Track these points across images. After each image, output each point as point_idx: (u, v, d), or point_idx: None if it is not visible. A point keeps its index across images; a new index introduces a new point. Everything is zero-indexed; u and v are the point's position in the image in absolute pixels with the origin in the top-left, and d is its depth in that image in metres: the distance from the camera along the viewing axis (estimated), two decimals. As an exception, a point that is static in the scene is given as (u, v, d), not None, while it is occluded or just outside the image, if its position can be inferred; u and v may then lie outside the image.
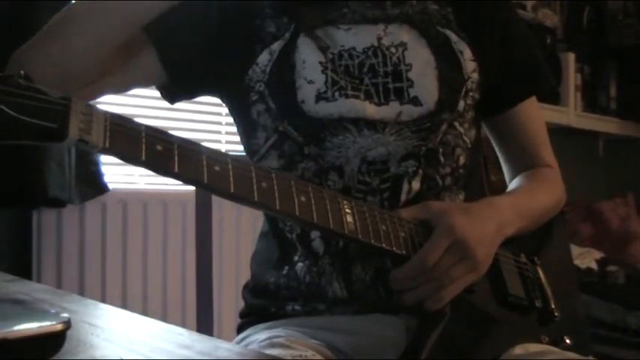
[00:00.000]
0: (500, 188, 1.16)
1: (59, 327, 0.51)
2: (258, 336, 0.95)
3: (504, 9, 1.10)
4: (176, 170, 0.67)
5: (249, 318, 1.05)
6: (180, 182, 0.71)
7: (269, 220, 1.04)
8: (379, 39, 0.99)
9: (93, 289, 1.90)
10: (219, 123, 2.33)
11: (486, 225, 0.88)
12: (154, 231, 2.04)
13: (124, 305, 1.93)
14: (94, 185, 1.84)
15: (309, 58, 0.97)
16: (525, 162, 1.12)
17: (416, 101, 0.96)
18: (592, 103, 3.39)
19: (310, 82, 0.96)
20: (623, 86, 3.48)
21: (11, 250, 1.82)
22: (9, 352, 0.47)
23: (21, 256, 1.81)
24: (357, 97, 0.95)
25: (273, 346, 0.89)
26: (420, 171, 0.95)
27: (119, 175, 2.07)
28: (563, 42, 3.29)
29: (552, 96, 2.90)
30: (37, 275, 1.81)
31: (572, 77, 3.20)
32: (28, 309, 0.67)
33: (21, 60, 0.91)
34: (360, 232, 0.80)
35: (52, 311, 0.55)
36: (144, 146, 0.66)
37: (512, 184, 1.11)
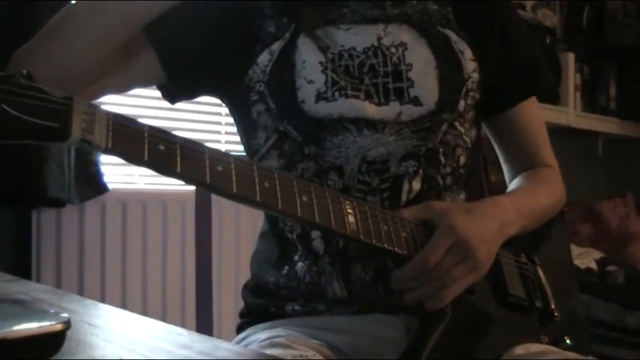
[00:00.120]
0: (500, 188, 1.16)
1: (59, 327, 0.51)
2: (258, 336, 0.95)
3: (504, 9, 1.10)
4: (179, 170, 0.67)
5: (249, 318, 1.05)
6: (183, 182, 0.71)
7: (269, 220, 1.04)
8: (379, 39, 0.99)
9: (92, 289, 1.90)
10: (219, 123, 2.33)
11: (488, 225, 0.88)
12: (154, 231, 2.04)
13: (123, 305, 1.93)
14: (94, 185, 1.84)
15: (309, 58, 0.97)
16: (525, 162, 1.12)
17: (416, 101, 0.96)
18: (591, 103, 3.39)
19: (310, 82, 0.96)
20: (623, 86, 3.48)
21: (11, 250, 1.82)
22: (9, 352, 0.47)
23: (20, 256, 1.81)
24: (357, 97, 0.95)
25: (273, 345, 0.89)
26: (421, 171, 0.95)
27: (119, 175, 2.07)
28: (562, 42, 3.29)
29: (552, 96, 2.91)
30: (36, 275, 1.81)
31: (571, 77, 3.20)
32: (27, 309, 0.67)
33: (22, 60, 0.91)
34: (362, 232, 0.80)
35: (52, 311, 0.55)
36: (146, 146, 0.66)
37: (513, 184, 1.11)
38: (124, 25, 0.92)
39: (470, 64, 1.01)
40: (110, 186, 1.89)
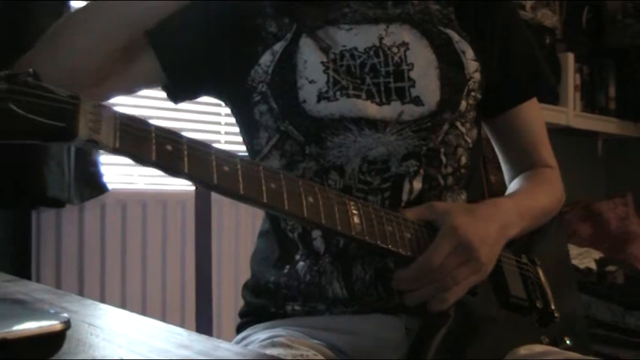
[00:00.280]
0: (499, 188, 1.16)
1: (59, 327, 0.51)
2: (259, 335, 0.95)
3: (506, 9, 1.10)
4: (186, 170, 0.67)
5: (249, 318, 1.05)
6: (189, 183, 0.71)
7: (270, 219, 1.04)
8: (380, 39, 0.99)
9: (92, 289, 1.90)
10: (219, 123, 2.33)
11: (490, 226, 0.88)
12: (154, 231, 2.04)
13: (123, 305, 1.93)
14: (94, 185, 1.84)
15: (310, 59, 0.97)
16: (525, 162, 1.12)
17: (417, 101, 0.96)
18: (591, 103, 3.39)
19: (312, 82, 0.96)
20: (622, 86, 3.48)
21: (10, 250, 1.82)
22: (8, 352, 0.47)
23: (20, 256, 1.81)
24: (358, 96, 0.96)
25: (274, 345, 0.89)
26: (421, 171, 0.95)
27: (118, 175, 2.07)
28: (562, 42, 3.29)
29: (551, 96, 2.90)
30: (36, 275, 1.81)
31: (571, 77, 3.20)
32: (27, 309, 0.67)
33: (26, 65, 0.91)
34: (367, 233, 0.79)
35: (52, 311, 0.55)
36: (154, 146, 0.65)
37: (513, 185, 1.11)
38: (127, 26, 0.92)
39: (472, 64, 1.01)
40: (110, 186, 1.89)
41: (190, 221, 1.99)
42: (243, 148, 1.07)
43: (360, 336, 0.94)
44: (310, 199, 0.75)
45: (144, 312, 1.96)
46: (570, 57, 3.20)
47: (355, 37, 0.99)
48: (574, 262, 2.68)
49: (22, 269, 1.78)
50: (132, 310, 0.72)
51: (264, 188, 0.71)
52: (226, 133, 2.33)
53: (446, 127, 0.98)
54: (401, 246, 0.82)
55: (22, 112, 0.57)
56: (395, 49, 0.98)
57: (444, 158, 0.97)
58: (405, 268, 0.83)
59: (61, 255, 1.85)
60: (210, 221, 1.26)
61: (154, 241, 2.04)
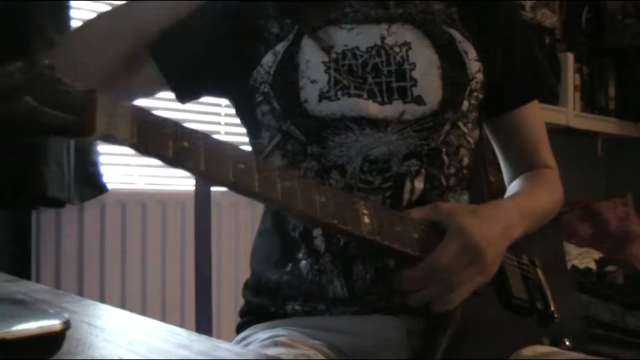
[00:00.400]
0: (499, 189, 1.16)
1: (58, 327, 0.51)
2: (260, 335, 0.95)
3: (509, 9, 1.10)
4: (202, 168, 0.66)
5: (249, 317, 1.05)
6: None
7: (273, 218, 1.04)
8: (382, 38, 0.99)
9: (92, 289, 1.90)
10: (219, 123, 2.33)
11: (495, 227, 0.88)
12: (153, 231, 2.04)
13: (123, 305, 1.93)
14: (93, 185, 1.85)
15: (312, 58, 0.97)
16: (526, 163, 1.12)
17: (419, 100, 0.96)
18: (591, 104, 3.39)
19: (313, 81, 0.96)
20: (622, 86, 3.48)
21: (10, 250, 1.82)
22: (8, 352, 0.47)
23: (20, 256, 1.81)
24: (360, 96, 0.96)
25: (276, 344, 0.89)
26: (423, 170, 0.95)
27: (118, 175, 2.07)
28: (562, 42, 3.29)
29: (551, 96, 2.90)
30: (36, 275, 1.81)
31: (571, 77, 3.20)
32: (27, 309, 0.67)
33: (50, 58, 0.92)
34: (378, 233, 0.79)
35: (52, 311, 0.55)
36: (171, 142, 0.64)
37: (513, 185, 1.11)
38: (131, 37, 0.94)
39: (474, 65, 1.01)
40: (110, 186, 1.89)
41: (190, 221, 1.99)
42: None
43: (361, 336, 0.94)
44: (323, 199, 0.74)
45: (144, 312, 1.96)
46: (570, 57, 3.20)
47: (357, 37, 0.99)
48: (574, 262, 2.68)
49: (22, 269, 1.78)
50: (131, 310, 0.72)
51: (279, 187, 0.71)
52: (226, 133, 2.33)
53: (448, 126, 0.98)
54: (409, 246, 0.82)
55: (38, 105, 0.55)
56: (397, 49, 0.98)
57: (445, 158, 0.97)
58: (411, 268, 0.83)
59: (60, 255, 1.85)
60: (209, 221, 1.25)
61: (154, 241, 2.04)
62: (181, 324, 1.97)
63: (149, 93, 1.08)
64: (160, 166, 2.19)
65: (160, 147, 0.64)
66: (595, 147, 3.64)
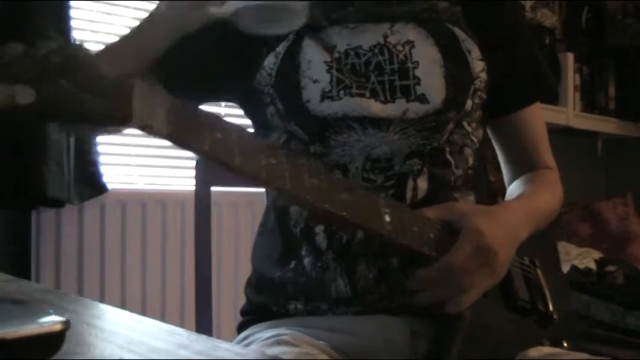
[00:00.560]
0: (499, 189, 1.16)
1: (58, 327, 0.51)
2: (262, 334, 0.95)
3: (513, 10, 1.10)
4: (237, 163, 0.64)
5: (251, 316, 1.05)
6: (236, 174, 0.67)
7: (275, 215, 1.04)
8: (385, 37, 0.99)
9: (92, 289, 1.90)
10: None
11: (506, 230, 0.88)
12: (153, 231, 2.04)
13: (122, 305, 1.93)
14: (93, 185, 1.85)
15: (314, 58, 0.97)
16: (527, 163, 1.12)
17: (423, 99, 0.96)
18: (591, 104, 3.39)
19: (315, 81, 0.96)
20: (622, 86, 3.48)
21: (10, 250, 1.82)
22: (8, 352, 0.47)
23: (20, 256, 1.82)
24: (362, 95, 0.96)
25: (279, 343, 0.88)
26: (425, 169, 0.95)
27: (118, 175, 2.07)
28: (562, 42, 3.29)
29: (551, 96, 2.90)
30: (35, 275, 1.81)
31: (571, 77, 3.20)
32: (27, 309, 0.67)
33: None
34: (399, 232, 0.79)
35: (51, 311, 0.54)
36: (207, 133, 0.61)
37: (515, 186, 1.10)
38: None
39: (478, 64, 1.01)
40: (109, 186, 1.89)
41: (190, 221, 1.99)
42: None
43: (364, 337, 0.94)
44: (347, 196, 0.74)
45: (143, 312, 1.96)
46: (570, 57, 3.20)
47: (360, 36, 0.99)
48: (574, 262, 2.68)
49: (22, 269, 1.78)
50: (131, 310, 0.72)
51: (306, 184, 0.70)
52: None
53: (451, 126, 0.98)
54: (426, 246, 0.82)
55: (75, 90, 0.52)
56: (400, 47, 0.98)
57: (450, 158, 0.97)
58: (426, 268, 0.83)
59: (60, 255, 1.85)
60: (209, 221, 1.25)
61: (154, 241, 2.04)
62: (181, 324, 1.97)
63: None
64: (160, 166, 2.19)
65: (195, 139, 0.61)
66: (595, 147, 3.64)
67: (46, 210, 1.83)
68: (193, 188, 1.25)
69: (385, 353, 0.93)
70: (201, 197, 1.26)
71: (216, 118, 0.64)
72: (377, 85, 0.96)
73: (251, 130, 0.93)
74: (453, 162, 0.98)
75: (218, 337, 0.65)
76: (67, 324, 0.51)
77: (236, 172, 0.65)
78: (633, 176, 3.49)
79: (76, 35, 1.86)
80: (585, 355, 0.96)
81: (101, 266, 1.93)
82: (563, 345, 1.02)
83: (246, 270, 1.11)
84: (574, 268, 2.64)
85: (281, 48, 0.99)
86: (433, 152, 0.96)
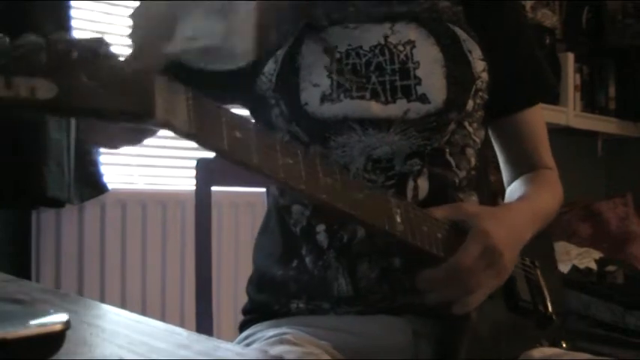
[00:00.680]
0: (498, 189, 1.16)
1: (58, 327, 0.51)
2: (264, 333, 0.95)
3: (514, 10, 1.10)
4: (255, 162, 0.63)
5: (252, 315, 1.05)
6: (255, 173, 0.66)
7: (277, 214, 1.04)
8: (386, 37, 0.99)
9: (92, 289, 1.90)
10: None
11: (512, 231, 0.88)
12: (153, 231, 2.04)
13: (123, 305, 1.93)
14: (93, 185, 1.85)
15: (314, 63, 0.97)
16: (527, 164, 1.12)
17: (424, 99, 0.96)
18: (591, 103, 3.39)
19: (315, 85, 0.97)
20: (622, 86, 3.48)
21: (10, 250, 1.82)
22: (8, 352, 0.47)
23: (20, 256, 1.82)
24: (362, 97, 0.96)
25: (281, 342, 0.88)
26: (425, 170, 0.95)
27: (118, 175, 2.07)
28: (562, 42, 3.29)
29: (551, 96, 2.90)
30: (36, 275, 1.81)
31: (571, 77, 3.20)
32: (27, 309, 0.67)
33: None
34: (409, 233, 0.79)
35: (52, 311, 0.54)
36: (225, 133, 0.60)
37: (516, 187, 1.10)
38: None
39: (479, 64, 1.00)
40: (110, 186, 1.89)
41: (190, 221, 1.99)
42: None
43: (366, 337, 0.94)
44: (360, 196, 0.74)
45: (144, 312, 1.96)
46: (570, 57, 3.20)
47: (360, 36, 0.99)
48: (574, 262, 2.68)
49: (22, 269, 1.78)
50: (132, 310, 0.72)
51: (322, 184, 0.70)
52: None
53: (453, 126, 0.98)
54: (434, 246, 0.83)
55: (95, 85, 0.50)
56: (401, 47, 0.98)
57: (450, 158, 0.97)
58: (434, 269, 0.83)
59: (60, 255, 1.85)
60: (210, 221, 1.25)
61: (154, 241, 2.04)
62: (181, 324, 1.97)
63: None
64: (161, 166, 2.19)
65: (215, 139, 0.60)
66: (595, 147, 3.64)
67: (46, 210, 1.83)
68: (194, 188, 1.25)
69: (387, 353, 0.93)
70: (202, 197, 1.26)
71: (234, 117, 0.64)
72: (378, 86, 0.96)
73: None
74: (453, 163, 0.97)
75: (218, 337, 0.65)
76: (67, 324, 0.51)
77: (253, 172, 0.65)
78: (633, 176, 3.49)
79: (76, 35, 1.86)
80: (587, 356, 0.96)
81: (101, 266, 1.93)
82: (561, 345, 1.02)
83: (246, 270, 1.11)
84: (574, 268, 2.64)
85: (280, 52, 0.99)
86: (433, 153, 0.96)
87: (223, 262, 2.12)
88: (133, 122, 0.54)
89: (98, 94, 0.50)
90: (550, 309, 1.00)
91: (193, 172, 1.25)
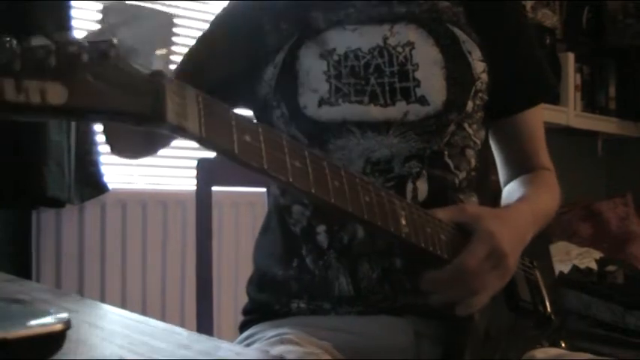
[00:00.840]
0: (499, 188, 1.15)
1: (59, 327, 0.51)
2: (265, 334, 0.95)
3: (515, 11, 1.10)
4: (265, 166, 0.63)
5: (253, 315, 1.05)
6: (263, 176, 0.66)
7: (277, 214, 1.04)
8: (385, 39, 0.99)
9: (92, 289, 1.90)
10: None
11: (514, 232, 0.88)
12: (154, 231, 2.04)
13: (123, 305, 1.93)
14: (94, 185, 1.85)
15: (312, 68, 0.98)
16: (525, 164, 1.11)
17: (423, 100, 0.96)
18: (591, 103, 3.39)
19: (314, 90, 0.97)
20: (623, 86, 3.48)
21: (11, 249, 1.82)
22: (9, 352, 0.47)
23: (20, 256, 1.82)
24: (360, 101, 0.96)
25: (282, 342, 0.88)
26: (424, 172, 0.95)
27: (119, 175, 2.07)
28: (562, 42, 3.29)
29: (552, 96, 2.90)
30: (36, 275, 1.81)
31: (571, 77, 3.20)
32: (27, 309, 0.67)
33: None
34: (413, 234, 0.79)
35: (52, 311, 0.55)
36: (235, 136, 0.60)
37: (515, 187, 1.10)
38: None
39: (479, 65, 1.00)
40: (110, 186, 1.89)
41: (191, 221, 1.99)
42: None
43: (367, 337, 0.94)
44: (367, 199, 0.74)
45: (144, 312, 1.96)
46: (571, 57, 3.20)
47: (359, 38, 0.99)
48: (574, 262, 2.68)
49: (22, 269, 1.78)
50: (132, 310, 0.72)
51: (330, 187, 0.70)
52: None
53: (452, 128, 0.97)
54: (438, 248, 0.82)
55: (105, 88, 0.49)
56: (400, 49, 0.98)
57: (449, 160, 0.97)
58: (439, 270, 0.82)
59: (61, 255, 1.85)
60: (210, 221, 1.25)
61: (154, 241, 2.04)
62: (182, 324, 1.97)
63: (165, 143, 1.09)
64: (161, 166, 2.19)
65: (226, 143, 0.59)
66: (595, 147, 3.64)
67: (46, 210, 1.83)
68: (194, 188, 1.25)
69: (388, 354, 0.93)
70: (202, 197, 1.26)
71: (244, 120, 0.64)
72: (377, 88, 0.96)
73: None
74: (452, 164, 0.97)
75: (219, 337, 0.65)
76: (67, 324, 0.51)
77: (262, 175, 0.65)
78: (633, 176, 3.49)
79: (77, 35, 1.86)
80: (589, 356, 0.96)
81: (102, 266, 1.93)
82: (561, 345, 1.02)
83: (247, 270, 1.11)
84: (575, 267, 2.64)
85: (278, 58, 1.00)
86: (432, 155, 0.96)
87: (224, 262, 2.11)
88: (144, 126, 0.54)
89: (109, 97, 0.50)
90: (549, 309, 1.00)
91: (194, 172, 1.25)
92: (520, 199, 1.02)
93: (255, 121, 1.09)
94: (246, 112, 1.07)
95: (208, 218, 1.25)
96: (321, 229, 0.97)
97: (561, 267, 2.50)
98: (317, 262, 0.97)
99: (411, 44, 0.98)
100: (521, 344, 0.96)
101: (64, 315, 0.52)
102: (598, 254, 2.81)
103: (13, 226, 1.83)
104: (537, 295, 0.99)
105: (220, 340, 0.60)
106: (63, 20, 1.73)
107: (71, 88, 0.48)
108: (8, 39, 0.47)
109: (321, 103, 0.96)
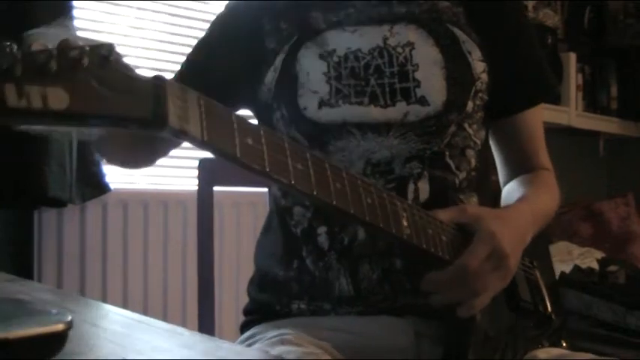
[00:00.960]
0: (499, 189, 1.15)
1: (61, 327, 0.51)
2: (266, 334, 0.95)
3: (515, 11, 1.10)
4: (267, 169, 0.63)
5: (254, 316, 1.05)
6: (265, 179, 0.66)
7: (278, 215, 1.04)
8: (385, 39, 0.99)
9: (94, 289, 1.90)
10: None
11: (515, 232, 0.88)
12: (155, 231, 2.04)
13: (124, 305, 1.93)
14: (95, 185, 1.85)
15: (312, 70, 0.98)
16: (525, 164, 1.11)
17: (423, 101, 0.96)
18: (593, 103, 3.39)
19: (314, 92, 0.97)
20: (624, 86, 3.48)
21: (12, 249, 1.82)
22: (10, 352, 0.47)
23: (22, 256, 1.82)
24: (360, 103, 0.96)
25: (282, 343, 0.89)
26: (425, 172, 0.95)
27: (120, 175, 2.07)
28: (564, 42, 3.29)
29: (553, 96, 2.90)
30: (37, 275, 1.82)
31: (572, 77, 3.20)
32: (29, 309, 0.67)
33: None
34: (415, 236, 0.79)
35: (54, 311, 0.55)
36: (237, 140, 0.60)
37: (514, 187, 1.10)
38: None
39: (479, 65, 1.00)
40: (111, 186, 1.89)
41: (192, 221, 1.99)
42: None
43: (367, 338, 0.94)
44: (369, 200, 0.74)
45: (145, 312, 1.96)
46: (572, 57, 3.20)
47: (359, 39, 0.99)
48: (576, 261, 2.67)
49: (24, 269, 1.79)
50: (133, 310, 0.72)
51: (332, 189, 0.70)
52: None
53: (453, 128, 0.97)
54: (440, 249, 0.82)
55: (106, 93, 0.49)
56: (400, 50, 0.98)
57: (450, 161, 0.97)
58: (440, 271, 0.82)
59: (62, 255, 1.86)
60: (212, 221, 1.25)
61: (156, 241, 2.04)
62: (183, 324, 1.97)
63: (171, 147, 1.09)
64: (162, 166, 2.19)
65: (228, 146, 0.59)
66: (597, 147, 3.64)
67: (47, 210, 1.83)
68: (196, 188, 1.26)
69: (389, 354, 0.93)
70: (204, 197, 1.26)
71: (245, 122, 0.64)
72: (377, 88, 0.96)
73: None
74: (452, 165, 0.97)
75: (220, 337, 0.65)
76: (69, 324, 0.51)
77: (264, 178, 0.65)
78: (635, 176, 3.49)
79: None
80: (591, 356, 0.96)
81: (103, 266, 1.93)
82: (562, 345, 1.02)
83: (248, 270, 1.11)
84: (576, 267, 2.63)
85: (278, 61, 1.00)
86: (433, 156, 0.96)
87: (225, 262, 2.12)
88: (146, 130, 0.53)
89: (110, 102, 0.50)
90: (549, 309, 1.00)
91: (195, 172, 1.25)
92: (520, 200, 1.02)
93: (255, 122, 1.10)
94: (247, 113, 1.08)
95: (210, 218, 1.25)
96: (321, 230, 0.97)
97: (563, 267, 2.50)
98: (317, 264, 0.97)
99: (410, 45, 0.98)
100: (521, 344, 0.96)
101: (65, 315, 0.52)
102: (599, 254, 2.81)
103: (14, 226, 1.83)
104: (538, 295, 0.99)
105: (221, 341, 0.60)
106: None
107: (72, 92, 0.48)
108: (9, 43, 0.46)
109: (322, 104, 0.96)
